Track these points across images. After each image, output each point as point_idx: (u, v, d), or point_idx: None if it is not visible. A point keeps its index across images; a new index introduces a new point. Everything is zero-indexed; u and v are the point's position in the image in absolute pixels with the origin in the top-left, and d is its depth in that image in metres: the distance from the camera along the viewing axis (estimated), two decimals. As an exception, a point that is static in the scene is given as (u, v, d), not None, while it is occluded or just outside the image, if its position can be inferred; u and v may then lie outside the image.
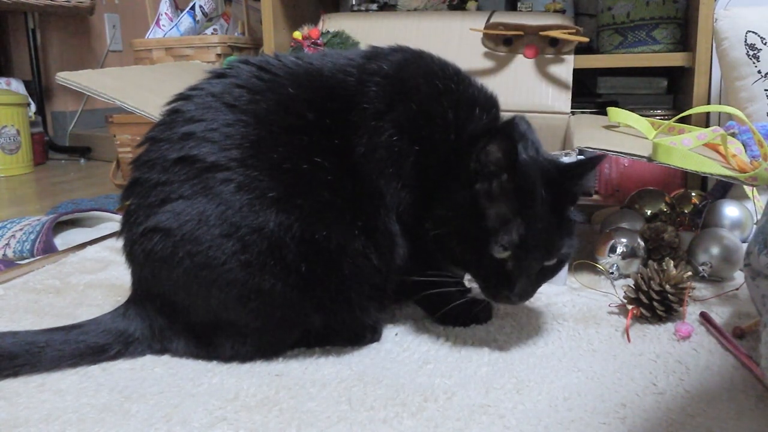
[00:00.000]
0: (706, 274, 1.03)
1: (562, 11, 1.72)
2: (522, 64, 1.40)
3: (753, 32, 1.31)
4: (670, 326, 0.87)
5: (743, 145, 1.15)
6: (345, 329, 0.82)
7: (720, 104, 1.44)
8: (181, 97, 0.81)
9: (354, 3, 1.91)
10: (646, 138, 1.15)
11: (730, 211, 1.17)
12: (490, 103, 0.86)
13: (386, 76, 0.82)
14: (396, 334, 0.87)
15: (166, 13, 2.09)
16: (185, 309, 0.78)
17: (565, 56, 1.38)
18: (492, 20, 1.43)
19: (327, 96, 0.80)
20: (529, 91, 1.37)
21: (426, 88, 0.82)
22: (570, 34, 1.33)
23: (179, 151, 0.75)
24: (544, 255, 0.77)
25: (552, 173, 0.77)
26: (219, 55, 1.85)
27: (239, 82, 0.79)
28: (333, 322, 0.79)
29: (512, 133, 0.77)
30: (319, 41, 1.49)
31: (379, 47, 0.88)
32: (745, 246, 0.81)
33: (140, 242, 0.76)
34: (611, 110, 1.22)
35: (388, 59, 0.84)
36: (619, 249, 1.05)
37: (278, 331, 0.79)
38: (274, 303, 0.74)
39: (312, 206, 0.74)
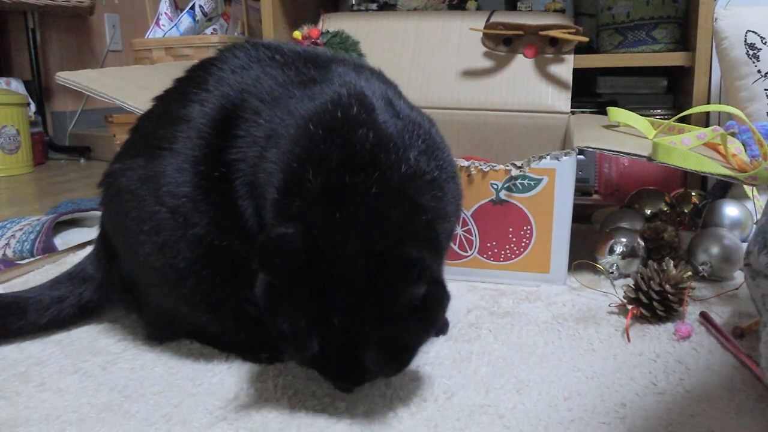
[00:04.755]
0: (706, 274, 1.03)
1: (562, 11, 1.72)
2: (522, 64, 1.40)
3: (753, 32, 1.31)
4: (670, 326, 0.87)
5: (743, 144, 1.15)
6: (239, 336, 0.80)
7: (720, 104, 1.44)
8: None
9: (354, 3, 1.91)
10: (646, 137, 1.15)
11: (730, 210, 1.17)
12: (346, 160, 0.64)
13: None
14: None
15: (165, 13, 2.09)
16: (119, 255, 0.84)
17: (564, 56, 1.38)
18: (492, 20, 1.43)
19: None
20: (528, 91, 1.37)
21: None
22: (570, 33, 1.33)
23: (149, 122, 0.83)
24: (344, 383, 0.66)
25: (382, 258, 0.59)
26: (219, 55, 1.85)
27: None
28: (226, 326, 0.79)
29: (291, 238, 0.60)
30: (318, 41, 1.49)
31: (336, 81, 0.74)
32: (745, 246, 0.81)
33: (103, 181, 0.83)
34: (611, 110, 1.22)
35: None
36: (619, 249, 1.05)
37: (170, 313, 0.81)
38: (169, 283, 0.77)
39: (217, 214, 0.75)
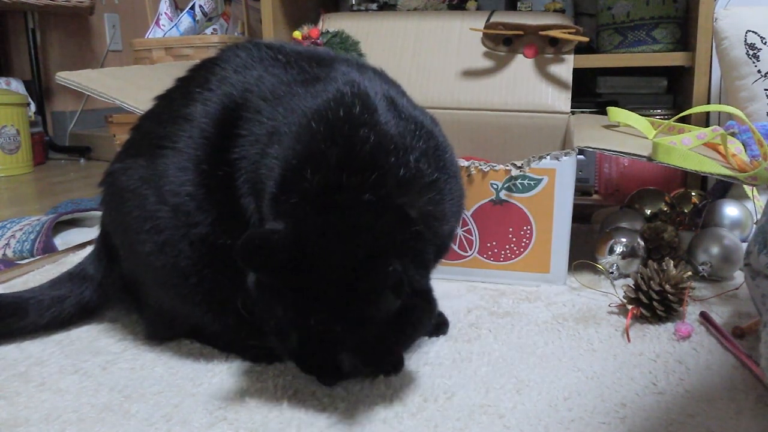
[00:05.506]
0: (706, 274, 1.03)
1: (562, 11, 1.72)
2: (522, 64, 1.40)
3: (753, 32, 1.31)
4: (670, 326, 0.87)
5: (743, 144, 1.15)
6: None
7: (720, 104, 1.44)
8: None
9: (354, 3, 1.91)
10: (646, 137, 1.15)
11: (730, 210, 1.17)
12: (340, 161, 0.64)
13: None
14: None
15: (165, 13, 2.09)
16: (120, 254, 0.84)
17: (564, 56, 1.38)
18: (492, 20, 1.43)
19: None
20: (528, 91, 1.37)
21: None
22: (570, 33, 1.33)
23: (151, 121, 0.82)
24: (323, 377, 0.69)
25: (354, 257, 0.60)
26: (219, 55, 1.85)
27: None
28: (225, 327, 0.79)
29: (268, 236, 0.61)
30: (318, 41, 1.49)
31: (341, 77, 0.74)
32: (744, 246, 0.81)
33: (104, 181, 0.83)
34: (611, 110, 1.22)
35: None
36: (619, 249, 1.05)
37: (170, 312, 0.81)
38: (169, 283, 0.77)
39: (219, 213, 0.75)
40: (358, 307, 0.60)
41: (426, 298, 0.67)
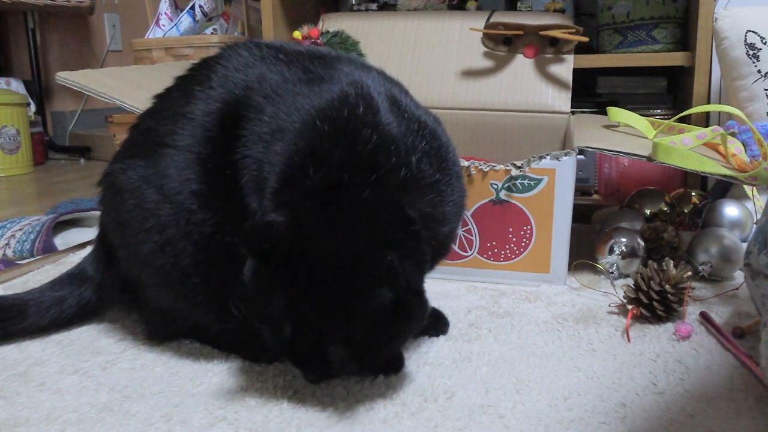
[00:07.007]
0: (706, 274, 1.03)
1: (562, 11, 1.71)
2: (522, 64, 1.40)
3: (753, 32, 1.31)
4: (670, 326, 0.87)
5: (743, 144, 1.15)
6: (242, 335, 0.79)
7: (720, 104, 1.44)
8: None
9: (354, 3, 1.91)
10: (646, 137, 1.15)
11: (730, 210, 1.17)
12: (344, 160, 0.65)
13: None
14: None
15: (165, 13, 2.09)
16: (118, 254, 0.84)
17: (564, 56, 1.38)
18: (492, 20, 1.43)
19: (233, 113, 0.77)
20: (528, 91, 1.37)
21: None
22: (570, 33, 1.33)
23: (151, 120, 0.82)
24: (311, 374, 0.69)
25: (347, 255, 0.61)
26: (219, 55, 1.85)
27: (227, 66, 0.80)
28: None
29: (268, 228, 0.62)
30: (318, 41, 1.49)
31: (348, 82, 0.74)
32: (744, 246, 0.81)
33: (102, 181, 0.84)
34: (611, 110, 1.22)
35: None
36: (619, 249, 1.05)
37: (170, 312, 0.81)
38: (170, 282, 0.77)
39: (225, 212, 0.75)
40: (350, 298, 0.61)
41: (419, 298, 0.67)
